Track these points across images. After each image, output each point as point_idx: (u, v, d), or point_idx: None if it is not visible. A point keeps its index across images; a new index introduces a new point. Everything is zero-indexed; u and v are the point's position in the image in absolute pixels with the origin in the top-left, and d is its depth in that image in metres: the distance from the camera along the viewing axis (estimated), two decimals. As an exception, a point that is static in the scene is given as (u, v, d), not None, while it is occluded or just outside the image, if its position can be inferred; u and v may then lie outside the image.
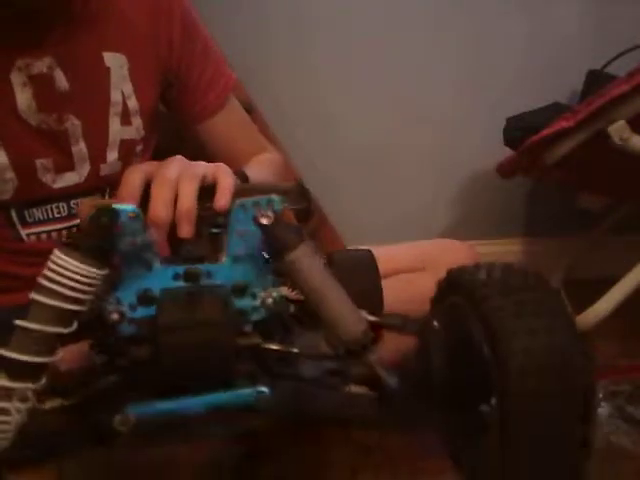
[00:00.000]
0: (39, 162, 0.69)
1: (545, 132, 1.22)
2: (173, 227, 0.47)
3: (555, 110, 1.32)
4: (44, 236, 0.72)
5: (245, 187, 0.48)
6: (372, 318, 0.43)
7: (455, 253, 0.67)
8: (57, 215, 0.72)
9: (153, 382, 0.39)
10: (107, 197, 0.76)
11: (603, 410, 0.93)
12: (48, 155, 0.70)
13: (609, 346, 1.21)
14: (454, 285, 0.40)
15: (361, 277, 0.47)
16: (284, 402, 0.40)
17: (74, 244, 0.38)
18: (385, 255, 0.76)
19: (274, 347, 0.42)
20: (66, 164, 0.71)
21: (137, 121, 0.75)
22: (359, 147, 1.62)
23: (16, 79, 0.66)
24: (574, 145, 1.21)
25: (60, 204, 0.72)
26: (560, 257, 1.62)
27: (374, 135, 1.61)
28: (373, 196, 1.65)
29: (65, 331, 0.37)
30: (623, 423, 0.90)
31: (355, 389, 0.40)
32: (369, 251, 0.49)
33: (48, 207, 0.71)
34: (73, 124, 0.70)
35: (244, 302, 0.42)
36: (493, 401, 0.35)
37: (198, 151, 0.85)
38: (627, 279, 1.23)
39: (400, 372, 0.39)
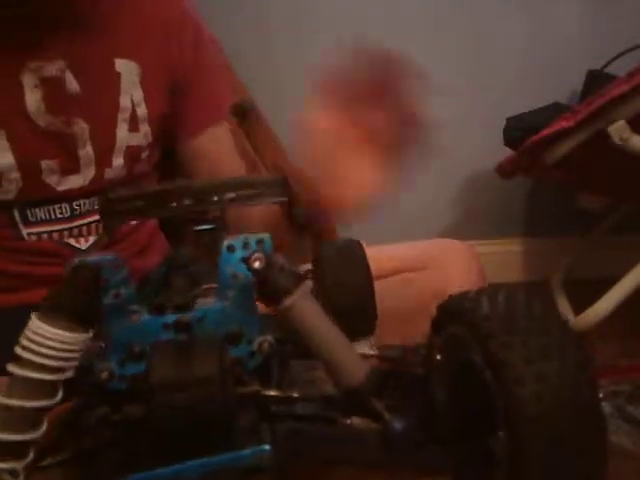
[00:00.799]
0: (45, 163, 0.69)
1: (545, 132, 1.22)
2: (169, 223, 0.45)
3: (555, 110, 1.32)
4: (45, 236, 0.71)
5: (225, 182, 0.45)
6: (372, 352, 0.42)
7: (455, 253, 0.67)
8: (59, 215, 0.72)
9: (147, 441, 0.36)
10: None
11: (603, 410, 0.93)
12: (54, 157, 0.69)
13: (609, 346, 1.21)
14: (455, 314, 0.38)
15: (351, 271, 0.45)
16: (285, 454, 0.38)
17: (52, 308, 0.35)
18: (385, 255, 0.76)
19: (273, 393, 0.39)
20: (72, 167, 0.71)
21: (145, 128, 0.75)
22: (359, 147, 1.62)
23: (27, 80, 0.67)
24: (574, 145, 1.21)
25: (63, 205, 0.72)
26: (560, 257, 1.62)
27: (374, 135, 1.61)
28: (373, 196, 1.65)
29: (49, 404, 0.34)
30: (623, 423, 0.90)
31: (357, 422, 0.38)
32: (357, 242, 0.47)
33: (50, 207, 0.71)
34: (81, 127, 0.70)
35: (240, 350, 0.40)
36: (500, 434, 0.34)
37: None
38: (627, 279, 1.23)
39: (403, 409, 0.37)
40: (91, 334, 0.36)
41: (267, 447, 0.37)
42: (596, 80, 1.40)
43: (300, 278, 0.38)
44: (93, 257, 0.38)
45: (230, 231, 0.45)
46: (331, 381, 0.37)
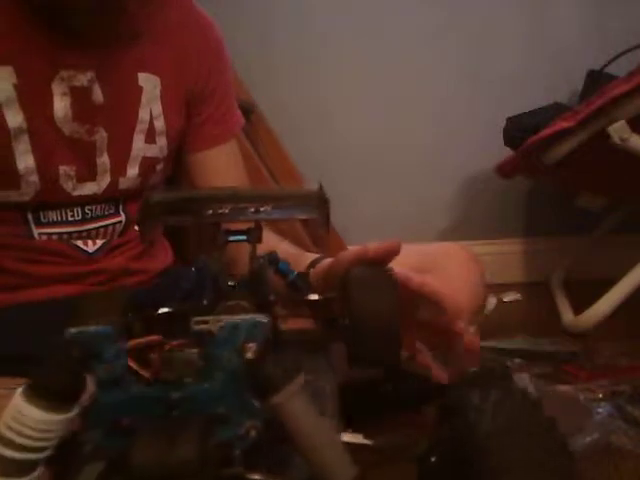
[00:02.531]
0: (63, 169, 0.71)
1: (545, 132, 1.22)
2: (176, 230, 0.45)
3: (555, 110, 1.33)
4: (55, 237, 0.73)
5: (267, 193, 0.45)
6: (367, 442, 0.41)
7: (456, 256, 0.67)
8: (70, 218, 0.73)
9: None
10: (120, 208, 0.77)
11: (603, 410, 0.93)
12: (73, 163, 0.71)
13: (609, 346, 1.21)
14: (455, 413, 0.37)
15: (379, 298, 0.44)
16: None
17: (39, 391, 0.34)
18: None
19: (257, 477, 0.38)
20: (88, 174, 0.73)
21: (162, 141, 0.77)
22: (359, 147, 1.62)
23: (57, 88, 0.68)
24: (574, 145, 1.21)
25: (75, 208, 0.73)
26: (560, 257, 1.63)
27: (374, 135, 1.61)
28: (373, 196, 1.65)
29: None
30: (623, 423, 0.90)
31: None
32: (389, 270, 0.46)
33: (63, 210, 0.73)
34: (102, 136, 0.72)
35: (227, 432, 0.39)
36: None
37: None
38: (627, 279, 1.23)
39: None
40: (75, 412, 0.36)
41: None
42: (596, 80, 1.40)
43: (292, 374, 0.36)
44: (86, 330, 0.37)
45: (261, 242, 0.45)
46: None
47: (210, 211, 0.43)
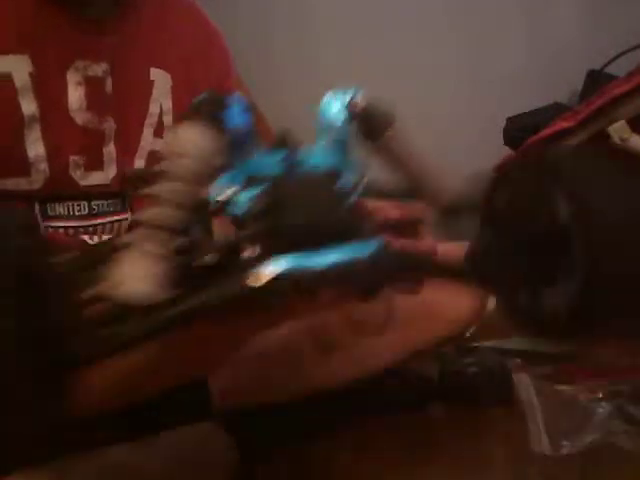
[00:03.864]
0: (72, 158, 0.72)
1: (545, 132, 1.22)
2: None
3: (555, 110, 1.33)
4: (61, 231, 0.73)
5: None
6: None
7: (457, 256, 0.67)
8: (77, 213, 0.74)
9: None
10: (127, 205, 0.78)
11: (603, 410, 0.93)
12: (82, 153, 0.73)
13: (609, 346, 1.21)
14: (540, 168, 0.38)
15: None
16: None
17: (195, 113, 0.40)
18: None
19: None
20: (96, 163, 0.74)
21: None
22: (359, 147, 1.62)
23: (72, 77, 0.70)
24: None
25: (82, 202, 0.74)
26: (560, 257, 1.63)
27: (374, 135, 1.62)
28: (373, 196, 1.65)
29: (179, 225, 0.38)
30: (623, 423, 0.90)
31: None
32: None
33: (70, 204, 0.74)
34: (111, 126, 0.74)
35: (344, 183, 0.45)
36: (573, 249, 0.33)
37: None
38: (627, 279, 1.23)
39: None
40: (218, 148, 0.40)
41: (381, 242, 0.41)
42: (596, 80, 1.40)
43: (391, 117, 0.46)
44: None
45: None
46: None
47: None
